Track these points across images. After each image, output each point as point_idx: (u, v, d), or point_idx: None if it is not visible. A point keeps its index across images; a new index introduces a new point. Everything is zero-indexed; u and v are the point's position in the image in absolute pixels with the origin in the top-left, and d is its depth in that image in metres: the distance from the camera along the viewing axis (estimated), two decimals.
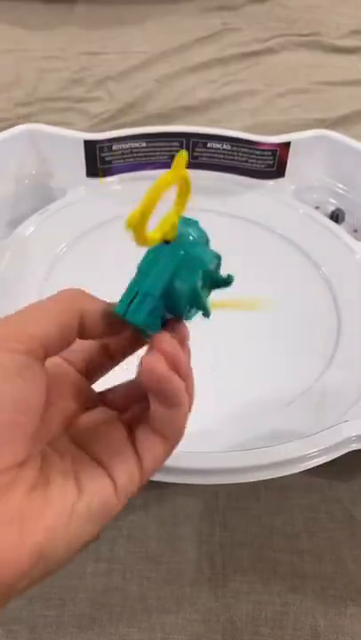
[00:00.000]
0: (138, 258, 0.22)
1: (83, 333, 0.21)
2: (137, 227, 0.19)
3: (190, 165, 0.55)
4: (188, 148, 0.54)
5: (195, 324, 0.45)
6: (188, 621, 0.34)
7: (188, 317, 0.23)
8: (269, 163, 0.54)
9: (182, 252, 0.21)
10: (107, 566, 0.35)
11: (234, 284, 0.28)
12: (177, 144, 0.53)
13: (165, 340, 0.21)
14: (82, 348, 0.24)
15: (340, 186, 0.55)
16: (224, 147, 0.53)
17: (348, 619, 0.34)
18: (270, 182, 0.55)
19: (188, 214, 0.26)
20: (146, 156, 0.54)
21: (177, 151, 0.54)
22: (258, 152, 0.53)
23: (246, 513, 0.38)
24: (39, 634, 0.33)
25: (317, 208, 0.55)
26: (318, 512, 0.38)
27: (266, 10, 0.89)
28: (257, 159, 0.54)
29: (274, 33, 0.84)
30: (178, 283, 0.21)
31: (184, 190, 0.20)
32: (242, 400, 0.39)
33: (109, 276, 0.46)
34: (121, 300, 0.21)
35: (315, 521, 0.37)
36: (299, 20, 0.88)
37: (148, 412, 0.22)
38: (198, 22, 0.86)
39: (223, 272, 0.25)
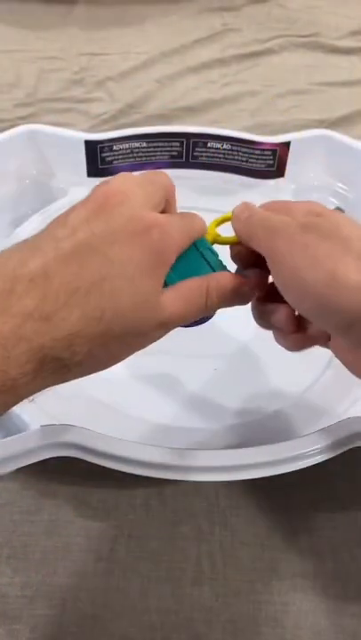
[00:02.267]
0: None
1: None
2: None
3: (190, 165, 0.55)
4: (188, 148, 0.54)
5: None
6: (189, 621, 0.34)
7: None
8: (270, 162, 0.54)
9: None
10: (107, 565, 0.35)
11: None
12: (177, 144, 0.53)
13: None
14: None
15: (341, 185, 0.55)
16: (224, 147, 0.53)
17: (348, 618, 0.34)
18: (271, 182, 0.55)
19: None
20: (146, 156, 0.54)
21: (177, 151, 0.54)
22: (258, 152, 0.53)
23: (246, 512, 0.38)
24: (40, 633, 0.33)
25: None
26: (318, 511, 0.38)
27: (266, 11, 0.89)
28: (257, 159, 0.54)
29: (274, 34, 0.84)
30: None
31: None
32: (243, 398, 0.40)
33: None
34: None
35: (315, 520, 0.37)
36: (298, 20, 0.88)
37: None
38: (198, 23, 0.86)
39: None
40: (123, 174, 0.27)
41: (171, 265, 0.26)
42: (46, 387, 0.24)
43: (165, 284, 0.26)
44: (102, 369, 0.25)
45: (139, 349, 0.26)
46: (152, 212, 0.25)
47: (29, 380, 0.22)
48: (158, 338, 0.26)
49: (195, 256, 0.28)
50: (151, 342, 0.26)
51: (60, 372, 0.23)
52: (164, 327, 0.26)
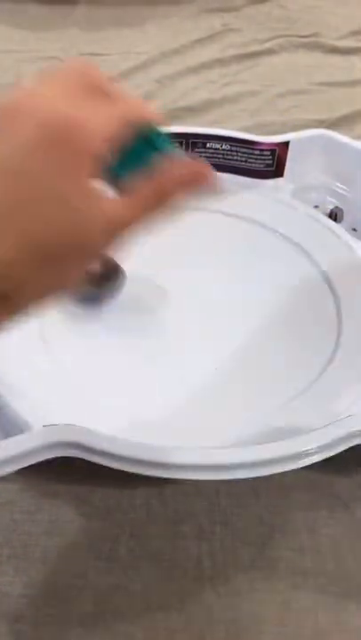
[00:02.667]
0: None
1: None
2: None
3: None
4: (187, 149, 0.54)
5: (196, 324, 0.45)
6: (190, 619, 0.34)
7: None
8: (269, 162, 0.54)
9: None
10: (108, 565, 0.36)
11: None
12: (177, 144, 0.53)
13: None
14: None
15: (339, 185, 0.55)
16: (223, 147, 0.53)
17: (349, 615, 0.34)
18: (270, 182, 0.55)
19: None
20: None
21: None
22: (257, 152, 0.53)
23: (247, 511, 0.38)
24: (43, 632, 0.33)
25: (316, 207, 0.55)
26: (319, 509, 0.38)
27: (266, 11, 0.89)
28: (256, 159, 0.54)
29: (274, 34, 0.84)
30: None
31: None
32: (243, 397, 0.40)
33: None
34: None
35: (315, 518, 0.38)
36: (298, 20, 0.88)
37: None
38: (198, 23, 0.87)
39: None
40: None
41: (100, 161, 0.23)
42: None
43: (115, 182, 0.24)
44: (52, 295, 0.23)
45: (88, 264, 0.24)
46: (65, 110, 0.22)
47: None
48: (108, 246, 0.24)
49: (142, 146, 0.25)
50: (100, 251, 0.24)
51: (3, 304, 0.22)
52: (109, 234, 0.23)
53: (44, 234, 0.21)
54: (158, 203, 0.24)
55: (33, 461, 0.33)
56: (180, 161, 0.25)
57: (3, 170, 0.21)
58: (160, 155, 0.25)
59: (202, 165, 0.25)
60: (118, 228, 0.23)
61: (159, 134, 0.26)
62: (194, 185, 0.25)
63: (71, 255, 0.22)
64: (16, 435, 0.34)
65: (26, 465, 0.33)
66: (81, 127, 0.22)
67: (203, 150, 0.54)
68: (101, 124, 0.23)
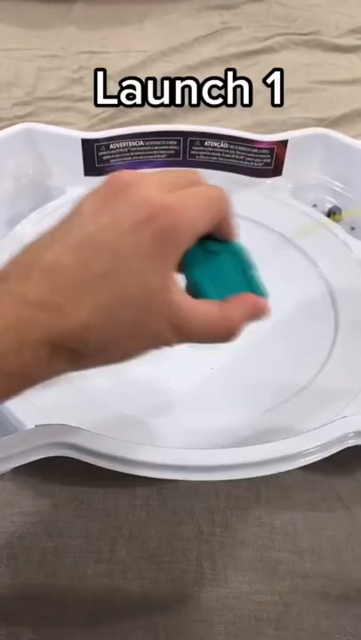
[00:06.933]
0: None
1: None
2: None
3: (188, 164, 0.55)
4: (185, 147, 0.54)
5: None
6: (190, 622, 0.34)
7: None
8: (267, 161, 0.54)
9: None
10: (108, 567, 0.35)
11: None
12: (174, 143, 0.53)
13: None
14: None
15: (337, 184, 0.55)
16: (221, 145, 0.53)
17: (349, 618, 0.34)
18: (268, 181, 0.55)
19: None
20: (144, 155, 0.54)
21: (174, 150, 0.54)
22: (255, 150, 0.53)
23: (246, 512, 0.38)
24: (42, 634, 0.33)
25: (315, 206, 0.55)
26: (318, 511, 0.38)
27: (265, 9, 0.89)
28: (254, 157, 0.54)
29: (273, 32, 0.84)
30: None
31: None
32: (240, 397, 0.39)
33: None
34: None
35: (315, 520, 0.37)
36: (298, 18, 0.87)
37: None
38: (198, 21, 0.86)
39: None
40: None
41: (183, 248, 0.24)
42: (62, 373, 0.24)
43: (202, 295, 0.26)
44: (116, 362, 0.25)
45: (152, 348, 0.25)
46: (162, 196, 0.24)
47: (43, 365, 0.23)
48: (173, 342, 0.25)
49: (234, 269, 0.28)
50: (165, 345, 0.25)
51: (73, 361, 0.24)
52: (177, 330, 0.25)
53: (119, 307, 0.23)
54: (224, 336, 0.27)
55: (24, 461, 0.33)
56: (259, 299, 0.28)
57: (97, 240, 0.23)
58: (246, 281, 0.28)
59: (266, 304, 0.28)
60: (184, 330, 0.25)
61: (249, 259, 0.29)
62: (256, 318, 0.28)
63: (137, 333, 0.24)
64: (9, 433, 0.34)
65: (18, 464, 0.33)
66: (174, 217, 0.23)
67: (201, 148, 0.54)
68: (192, 215, 0.24)
